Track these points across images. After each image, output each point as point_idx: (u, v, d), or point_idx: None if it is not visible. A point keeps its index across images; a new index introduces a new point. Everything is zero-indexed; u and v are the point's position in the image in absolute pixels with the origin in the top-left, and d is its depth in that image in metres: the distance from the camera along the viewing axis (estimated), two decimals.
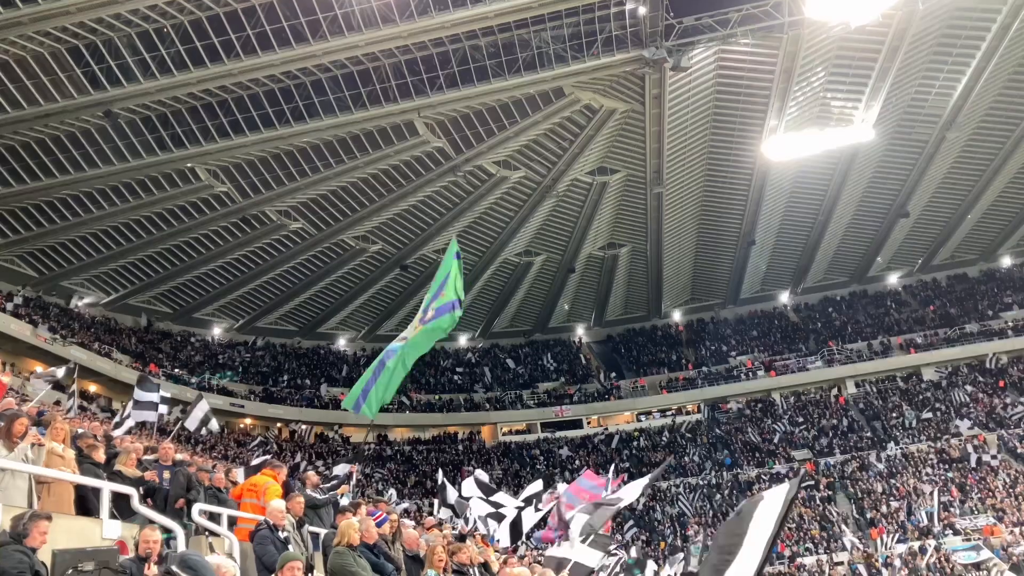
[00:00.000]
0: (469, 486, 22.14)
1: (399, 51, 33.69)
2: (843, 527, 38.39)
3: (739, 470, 45.77)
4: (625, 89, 37.76)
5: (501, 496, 21.68)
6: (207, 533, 9.16)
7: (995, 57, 37.74)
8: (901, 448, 44.28)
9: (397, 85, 35.16)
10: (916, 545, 35.73)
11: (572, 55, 35.15)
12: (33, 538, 5.82)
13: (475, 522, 20.54)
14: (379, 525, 10.25)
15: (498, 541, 18.93)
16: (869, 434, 46.65)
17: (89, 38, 30.28)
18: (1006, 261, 54.76)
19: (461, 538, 12.46)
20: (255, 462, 17.29)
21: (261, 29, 31.18)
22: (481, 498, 21.08)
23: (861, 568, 34.47)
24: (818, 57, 37.28)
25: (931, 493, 39.01)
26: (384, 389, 10.07)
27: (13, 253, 39.29)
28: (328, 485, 15.63)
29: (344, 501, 12.84)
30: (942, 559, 34.63)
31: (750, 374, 52.76)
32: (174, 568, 5.05)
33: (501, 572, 9.32)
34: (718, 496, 43.90)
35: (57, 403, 25.35)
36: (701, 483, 45.17)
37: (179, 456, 11.85)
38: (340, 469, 24.77)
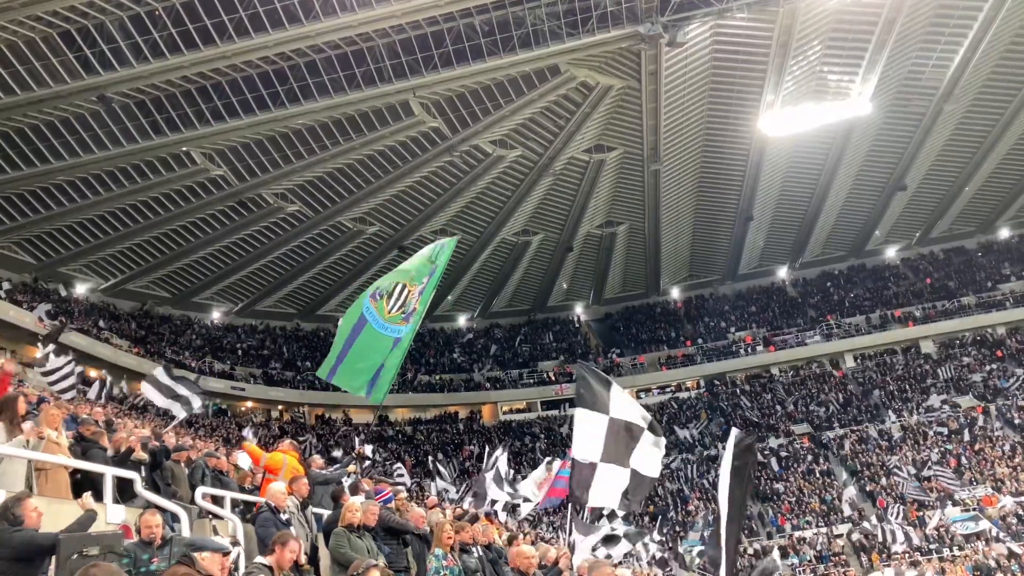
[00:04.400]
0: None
1: (393, 30, 33.45)
2: (843, 494, 38.51)
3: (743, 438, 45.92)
4: (621, 66, 37.55)
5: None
6: (211, 516, 9.23)
7: (992, 28, 37.54)
8: (900, 421, 44.48)
9: (391, 65, 34.92)
10: (915, 516, 36.00)
11: (567, 32, 34.91)
12: (30, 519, 5.90)
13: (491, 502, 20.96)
14: (386, 503, 10.33)
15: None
16: (868, 407, 46.83)
17: (81, 22, 30.02)
18: (1004, 233, 54.77)
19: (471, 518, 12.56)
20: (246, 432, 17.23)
21: (254, 10, 30.90)
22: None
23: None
24: (814, 30, 37.06)
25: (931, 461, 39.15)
26: (392, 373, 10.19)
27: (10, 240, 39.17)
28: (335, 467, 15.80)
29: (347, 481, 12.94)
30: (941, 529, 34.93)
31: (749, 349, 52.91)
32: (189, 552, 5.11)
33: (510, 551, 9.36)
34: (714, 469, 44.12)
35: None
36: (702, 457, 45.43)
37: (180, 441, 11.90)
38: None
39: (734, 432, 6.58)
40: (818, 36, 37.56)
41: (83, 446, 9.64)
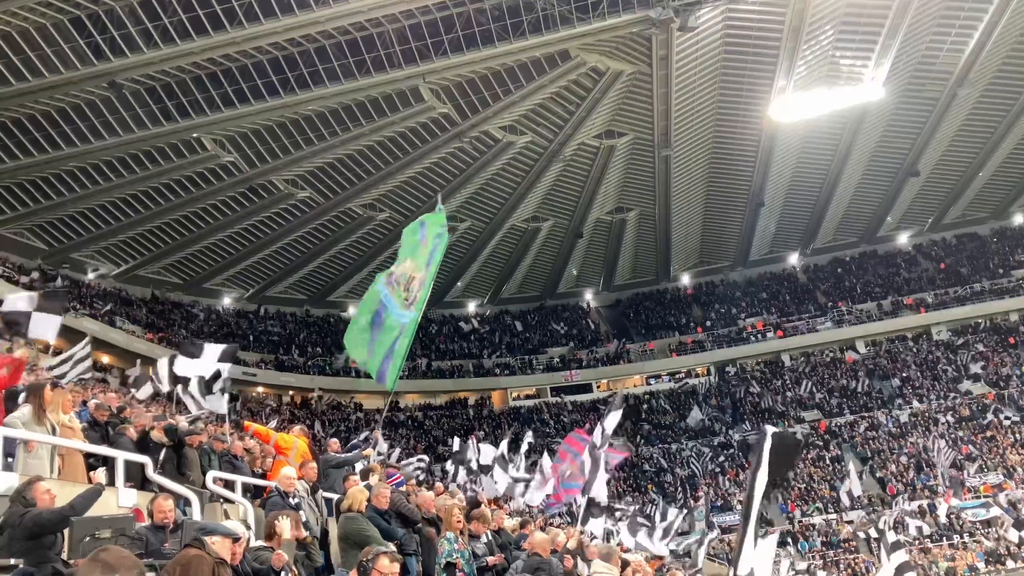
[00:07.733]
0: (487, 453, 22.80)
1: (403, 16, 33.33)
2: (849, 481, 38.45)
3: (748, 432, 45.97)
4: (632, 51, 37.34)
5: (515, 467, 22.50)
6: (222, 500, 9.29)
7: (1008, 11, 37.10)
8: (911, 408, 44.35)
9: (401, 51, 34.82)
10: (926, 503, 35.96)
11: (578, 17, 34.73)
12: (42, 501, 6.08)
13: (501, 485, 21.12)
14: (398, 487, 10.39)
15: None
16: (879, 394, 46.71)
17: (91, 8, 30.01)
18: (1018, 219, 54.31)
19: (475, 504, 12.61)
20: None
21: None
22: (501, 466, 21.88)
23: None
24: (827, 14, 36.73)
25: (944, 451, 38.99)
26: (401, 361, 10.17)
27: (23, 226, 39.40)
28: (349, 446, 15.87)
29: (359, 466, 12.99)
30: (952, 517, 34.89)
31: (759, 336, 52.78)
32: (200, 536, 5.16)
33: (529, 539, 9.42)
34: (725, 456, 44.17)
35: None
36: (712, 444, 45.47)
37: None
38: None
39: (771, 433, 6.45)
40: (830, 20, 37.22)
41: (102, 432, 9.73)
